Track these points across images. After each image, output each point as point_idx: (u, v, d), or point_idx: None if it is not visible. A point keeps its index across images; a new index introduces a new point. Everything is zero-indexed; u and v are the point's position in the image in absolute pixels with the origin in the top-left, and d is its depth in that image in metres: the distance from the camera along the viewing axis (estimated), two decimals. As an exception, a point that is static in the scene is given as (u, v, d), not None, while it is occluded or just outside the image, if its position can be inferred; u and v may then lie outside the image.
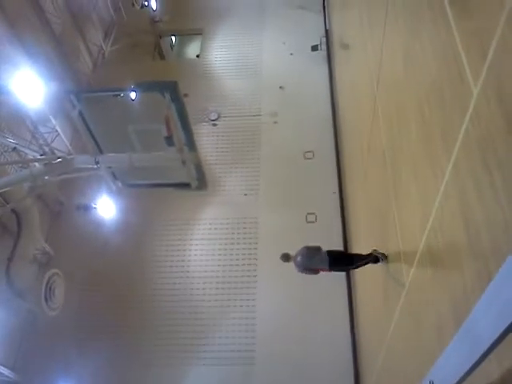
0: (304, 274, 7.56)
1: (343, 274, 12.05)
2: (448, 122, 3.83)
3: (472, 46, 3.23)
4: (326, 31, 16.95)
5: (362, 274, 10.19)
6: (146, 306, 12.54)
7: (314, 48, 16.46)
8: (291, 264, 7.53)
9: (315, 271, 7.33)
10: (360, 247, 10.44)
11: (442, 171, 3.95)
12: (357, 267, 7.66)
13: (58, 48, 14.66)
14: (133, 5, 17.13)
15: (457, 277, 3.76)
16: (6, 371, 10.97)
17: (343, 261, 7.59)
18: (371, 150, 8.15)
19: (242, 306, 12.38)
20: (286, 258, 7.59)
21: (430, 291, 4.69)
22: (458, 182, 3.65)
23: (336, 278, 12.10)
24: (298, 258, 7.27)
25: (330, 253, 7.22)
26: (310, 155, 14.40)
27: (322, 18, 17.55)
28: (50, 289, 11.05)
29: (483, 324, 3.13)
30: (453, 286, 3.91)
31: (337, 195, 13.49)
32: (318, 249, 7.26)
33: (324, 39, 16.61)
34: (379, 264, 6.90)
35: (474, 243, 3.38)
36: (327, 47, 16.54)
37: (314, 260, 7.20)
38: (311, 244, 7.45)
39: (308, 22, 17.73)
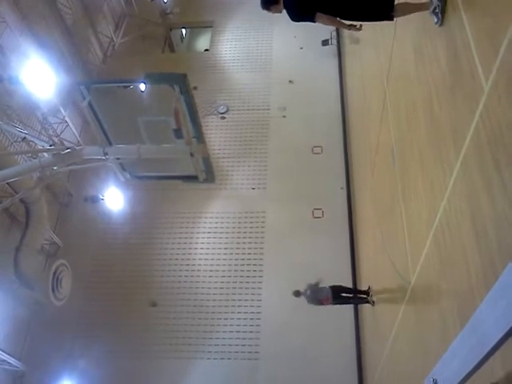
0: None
1: (348, 260, 12.30)
2: (458, 119, 3.80)
3: (484, 43, 3.21)
4: (337, 26, 16.83)
5: (368, 269, 10.18)
6: (152, 299, 12.58)
7: (325, 43, 16.37)
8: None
9: (321, 303, 9.24)
10: (367, 244, 10.43)
11: (450, 168, 3.94)
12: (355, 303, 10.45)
13: (69, 39, 14.67)
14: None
15: (463, 274, 3.75)
16: (12, 361, 11.08)
17: (342, 297, 9.56)
18: (380, 145, 8.13)
19: (247, 299, 12.40)
20: (297, 294, 9.45)
21: (435, 288, 4.68)
22: (467, 179, 3.63)
23: (340, 275, 12.12)
24: (308, 293, 9.15)
25: (333, 288, 9.17)
26: (318, 150, 14.35)
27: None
28: (58, 279, 11.10)
29: (488, 323, 3.12)
30: (458, 284, 3.90)
31: (344, 191, 13.46)
32: (319, 286, 9.26)
33: (334, 33, 16.53)
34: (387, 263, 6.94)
35: (481, 241, 3.37)
36: (337, 42, 16.46)
37: (320, 294, 9.15)
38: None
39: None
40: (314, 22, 4.57)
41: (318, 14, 4.50)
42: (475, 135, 3.40)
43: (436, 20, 4.19)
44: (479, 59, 3.27)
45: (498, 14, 2.99)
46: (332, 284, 9.40)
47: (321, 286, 9.32)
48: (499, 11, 2.97)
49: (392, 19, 4.64)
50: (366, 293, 9.47)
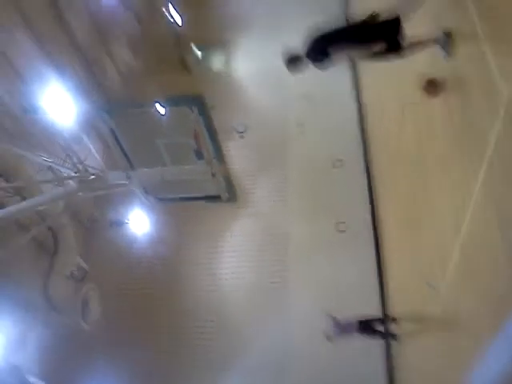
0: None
1: (375, 273, 12.08)
2: (481, 125, 3.78)
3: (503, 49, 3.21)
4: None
5: (396, 280, 10.05)
6: (176, 322, 12.57)
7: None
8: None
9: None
10: (393, 257, 10.32)
11: (475, 175, 3.90)
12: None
13: (85, 64, 14.92)
14: (158, 19, 17.42)
15: (492, 282, 3.69)
16: (41, 384, 11.15)
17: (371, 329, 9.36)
18: (401, 155, 8.08)
19: (273, 314, 12.24)
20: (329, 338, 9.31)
21: (464, 296, 4.61)
22: (492, 186, 3.60)
23: (367, 289, 11.96)
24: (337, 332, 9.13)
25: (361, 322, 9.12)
26: (338, 164, 14.30)
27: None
28: (87, 303, 11.24)
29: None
30: (488, 291, 3.84)
31: (367, 203, 13.34)
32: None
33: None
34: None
35: (510, 247, 3.32)
36: (353, 54, 16.46)
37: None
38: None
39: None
40: (333, 58, 4.99)
41: (333, 49, 4.96)
42: (500, 139, 3.37)
43: (444, 54, 4.55)
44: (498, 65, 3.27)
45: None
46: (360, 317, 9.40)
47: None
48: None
49: (401, 55, 4.83)
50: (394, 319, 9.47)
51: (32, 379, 10.71)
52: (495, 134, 3.39)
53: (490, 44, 3.40)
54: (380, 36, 4.72)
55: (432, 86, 5.16)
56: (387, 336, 9.91)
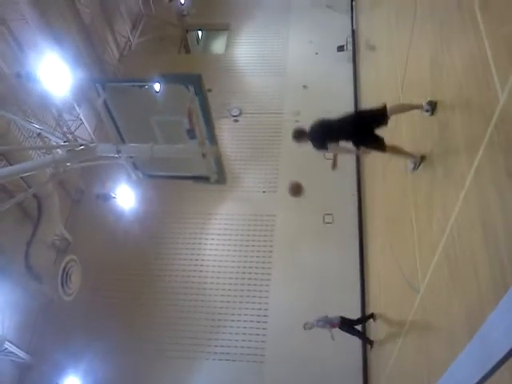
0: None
1: (357, 266, 12.26)
2: (472, 128, 3.79)
3: (501, 52, 3.20)
4: (353, 31, 16.85)
5: (377, 276, 10.15)
6: (159, 297, 12.63)
7: (340, 48, 16.35)
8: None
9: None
10: (376, 251, 10.39)
11: (463, 177, 3.92)
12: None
13: (86, 37, 14.81)
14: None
15: (472, 285, 3.73)
16: (20, 353, 11.17)
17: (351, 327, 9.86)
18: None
19: (254, 302, 12.40)
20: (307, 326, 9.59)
21: (444, 298, 4.65)
22: (480, 189, 3.62)
23: (349, 280, 12.09)
24: (320, 324, 9.48)
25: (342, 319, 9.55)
26: (329, 155, 14.28)
27: (349, 18, 17.45)
28: (67, 274, 11.21)
29: (497, 334, 3.10)
30: (468, 294, 3.87)
31: (355, 197, 13.42)
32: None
33: (350, 39, 16.51)
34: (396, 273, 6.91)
35: (492, 251, 3.35)
36: (353, 48, 16.44)
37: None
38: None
39: (335, 22, 17.64)
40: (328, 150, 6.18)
41: (331, 146, 6.04)
42: (489, 145, 3.38)
43: (427, 115, 5.17)
44: (496, 69, 3.26)
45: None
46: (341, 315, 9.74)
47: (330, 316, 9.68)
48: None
49: (387, 123, 5.71)
50: (371, 316, 9.84)
51: (10, 346, 10.73)
52: (486, 138, 3.40)
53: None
54: (371, 125, 5.76)
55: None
56: (364, 339, 10.42)
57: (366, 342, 10.32)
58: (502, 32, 3.20)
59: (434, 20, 5.28)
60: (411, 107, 5.79)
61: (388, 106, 5.71)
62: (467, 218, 3.91)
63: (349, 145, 6.06)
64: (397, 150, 6.04)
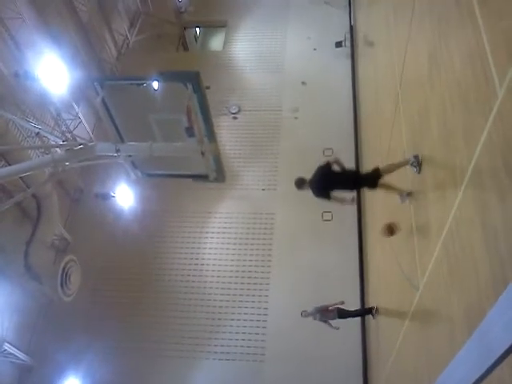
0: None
1: (356, 264, 12.29)
2: (471, 124, 3.77)
3: (499, 47, 3.18)
4: (351, 27, 16.80)
5: (376, 273, 10.14)
6: (159, 297, 12.61)
7: (338, 45, 16.30)
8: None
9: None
10: (375, 248, 10.37)
11: (462, 174, 3.90)
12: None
13: (84, 36, 14.78)
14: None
15: (472, 282, 3.71)
16: (20, 354, 11.15)
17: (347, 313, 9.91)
18: (391, 149, 8.07)
19: (254, 301, 12.38)
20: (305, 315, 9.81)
21: (443, 295, 4.64)
22: (478, 185, 3.60)
23: (348, 278, 12.08)
24: (317, 317, 9.66)
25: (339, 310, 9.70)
26: (329, 152, 14.29)
27: (347, 14, 17.40)
28: (66, 275, 11.19)
29: (496, 331, 3.09)
30: (467, 292, 3.86)
31: (354, 194, 13.38)
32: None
33: (348, 35, 16.46)
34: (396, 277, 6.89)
35: (491, 248, 3.33)
36: (351, 44, 16.39)
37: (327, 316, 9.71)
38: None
39: (333, 18, 17.60)
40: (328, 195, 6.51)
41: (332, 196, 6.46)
42: (488, 141, 3.36)
43: (415, 170, 5.61)
44: (494, 63, 3.24)
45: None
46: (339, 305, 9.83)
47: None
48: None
49: (376, 187, 6.39)
50: (370, 311, 9.85)
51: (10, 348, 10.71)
52: (485, 133, 3.38)
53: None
54: (366, 183, 6.58)
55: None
56: (364, 312, 10.43)
57: (367, 313, 10.19)
58: (501, 26, 3.18)
59: (432, 15, 5.25)
60: (399, 165, 6.23)
61: (380, 168, 6.34)
62: (466, 214, 3.89)
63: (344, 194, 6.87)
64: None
